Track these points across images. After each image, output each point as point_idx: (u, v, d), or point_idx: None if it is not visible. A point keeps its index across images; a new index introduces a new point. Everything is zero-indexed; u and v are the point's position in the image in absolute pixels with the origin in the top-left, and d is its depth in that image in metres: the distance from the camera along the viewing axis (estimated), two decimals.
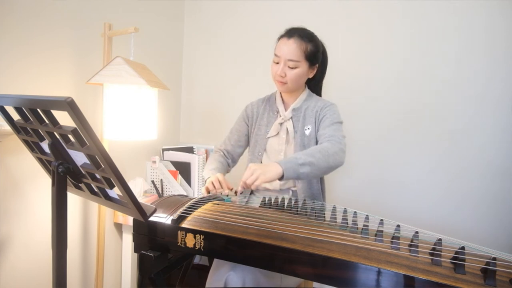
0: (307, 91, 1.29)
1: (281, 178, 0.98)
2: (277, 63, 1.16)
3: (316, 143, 1.21)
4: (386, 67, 1.67)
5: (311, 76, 1.23)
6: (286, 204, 1.03)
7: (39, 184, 1.22)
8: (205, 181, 1.21)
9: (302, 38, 1.14)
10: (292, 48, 1.12)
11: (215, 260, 1.07)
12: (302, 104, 1.25)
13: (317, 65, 1.22)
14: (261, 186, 0.99)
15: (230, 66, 2.00)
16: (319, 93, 1.34)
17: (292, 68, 1.14)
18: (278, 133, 1.27)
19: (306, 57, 1.15)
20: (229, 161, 1.36)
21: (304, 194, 1.24)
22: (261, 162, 1.29)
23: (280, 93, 1.30)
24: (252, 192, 1.34)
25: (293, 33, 1.15)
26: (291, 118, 1.25)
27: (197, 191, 1.74)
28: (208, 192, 1.14)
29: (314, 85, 1.32)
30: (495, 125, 1.51)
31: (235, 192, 1.15)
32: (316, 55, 1.18)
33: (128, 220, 1.53)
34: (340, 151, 1.08)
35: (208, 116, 2.07)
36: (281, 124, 1.26)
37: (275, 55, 1.17)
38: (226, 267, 0.96)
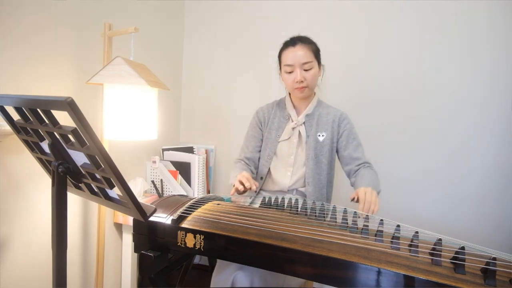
0: (316, 97, 1.34)
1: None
2: (291, 72, 1.22)
3: (330, 150, 1.28)
4: (387, 67, 1.67)
5: (320, 76, 1.29)
6: (286, 204, 1.03)
7: (39, 184, 1.22)
8: (233, 185, 1.17)
9: (304, 42, 1.22)
10: (302, 53, 1.19)
11: (219, 260, 1.07)
12: (314, 111, 1.31)
13: (321, 65, 1.28)
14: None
15: (230, 66, 1.99)
16: None
17: (308, 70, 1.20)
18: (289, 137, 1.30)
19: (315, 56, 1.22)
20: (252, 168, 1.34)
21: (314, 196, 1.27)
22: (270, 165, 1.32)
23: (291, 98, 1.33)
24: (259, 193, 1.35)
25: (295, 40, 1.22)
26: (304, 123, 1.30)
27: (197, 191, 1.74)
28: (238, 192, 1.10)
29: None
30: (495, 125, 1.51)
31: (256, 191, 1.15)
32: (319, 54, 1.26)
33: (128, 220, 1.53)
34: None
35: (208, 116, 2.07)
36: (293, 128, 1.30)
37: (286, 65, 1.22)
38: (233, 266, 0.96)
